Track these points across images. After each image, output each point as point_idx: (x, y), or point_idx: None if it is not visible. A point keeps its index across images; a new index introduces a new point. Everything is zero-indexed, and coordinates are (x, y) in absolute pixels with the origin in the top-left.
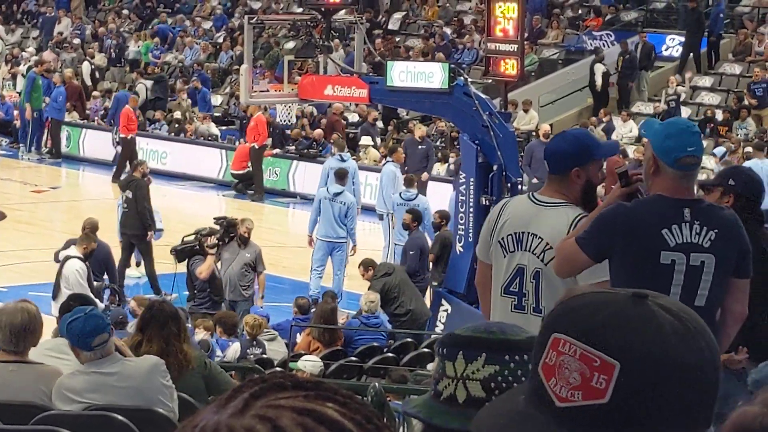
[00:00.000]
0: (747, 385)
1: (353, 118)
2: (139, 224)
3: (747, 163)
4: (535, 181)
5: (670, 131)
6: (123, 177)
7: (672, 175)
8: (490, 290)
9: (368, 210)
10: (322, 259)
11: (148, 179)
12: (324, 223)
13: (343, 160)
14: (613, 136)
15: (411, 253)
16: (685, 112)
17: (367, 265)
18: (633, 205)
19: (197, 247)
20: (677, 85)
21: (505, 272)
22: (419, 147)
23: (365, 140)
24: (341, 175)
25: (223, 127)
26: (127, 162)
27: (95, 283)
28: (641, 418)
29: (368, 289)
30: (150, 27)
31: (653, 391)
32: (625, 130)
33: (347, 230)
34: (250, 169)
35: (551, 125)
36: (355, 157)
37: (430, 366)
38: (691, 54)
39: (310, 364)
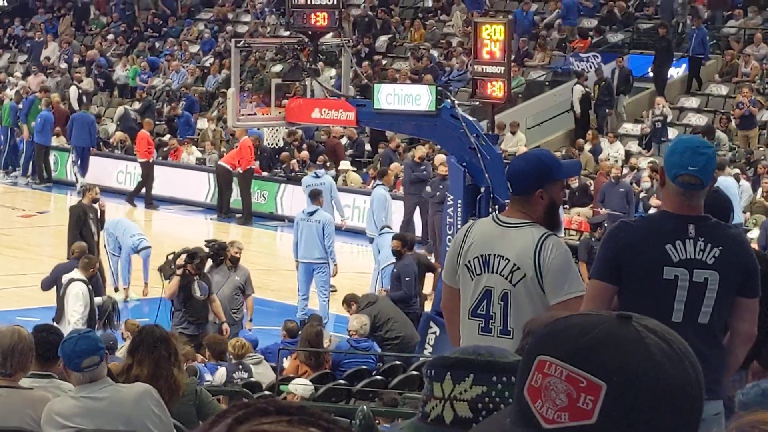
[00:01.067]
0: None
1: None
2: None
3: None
4: None
5: (677, 147)
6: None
7: (674, 191)
8: (456, 314)
9: (358, 233)
10: (305, 281)
11: (101, 203)
12: (302, 244)
13: (317, 176)
14: (601, 157)
15: (407, 279)
16: (672, 132)
17: (349, 301)
18: (637, 221)
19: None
20: (663, 106)
21: (472, 295)
22: (419, 168)
23: (344, 165)
24: (315, 195)
25: (215, 151)
26: (145, 185)
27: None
28: None
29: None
30: (136, 52)
31: (641, 411)
32: (612, 150)
33: (325, 249)
34: (240, 171)
35: (538, 147)
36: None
37: None
38: (661, 81)
39: (300, 387)
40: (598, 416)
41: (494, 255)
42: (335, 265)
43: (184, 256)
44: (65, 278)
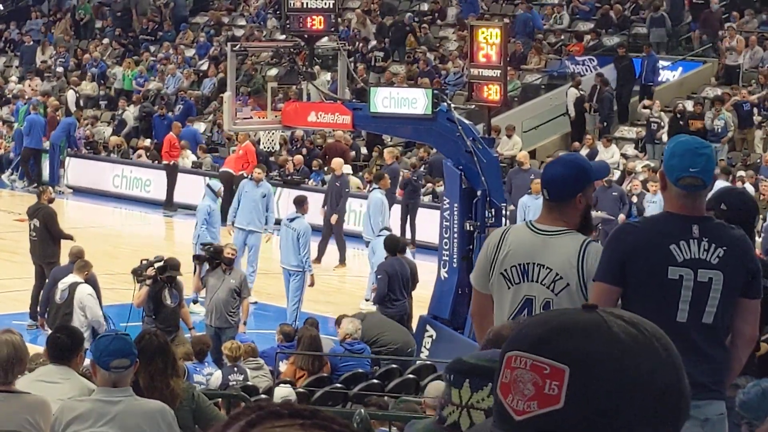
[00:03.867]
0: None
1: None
2: (51, 251)
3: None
4: (512, 208)
5: (677, 150)
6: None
7: (677, 194)
8: (487, 321)
9: (355, 236)
10: (286, 286)
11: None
12: (281, 249)
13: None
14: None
15: (378, 277)
16: (664, 136)
17: (340, 321)
18: (641, 222)
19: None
20: (660, 110)
21: (510, 304)
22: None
23: (345, 169)
24: (299, 202)
25: (208, 155)
26: (173, 188)
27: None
28: (600, 423)
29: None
30: (134, 56)
31: (608, 393)
32: (608, 155)
33: (300, 258)
34: (243, 173)
35: (534, 151)
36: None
37: (435, 389)
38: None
39: (284, 392)
40: (566, 400)
41: (535, 264)
42: (311, 275)
43: (157, 264)
44: (63, 283)
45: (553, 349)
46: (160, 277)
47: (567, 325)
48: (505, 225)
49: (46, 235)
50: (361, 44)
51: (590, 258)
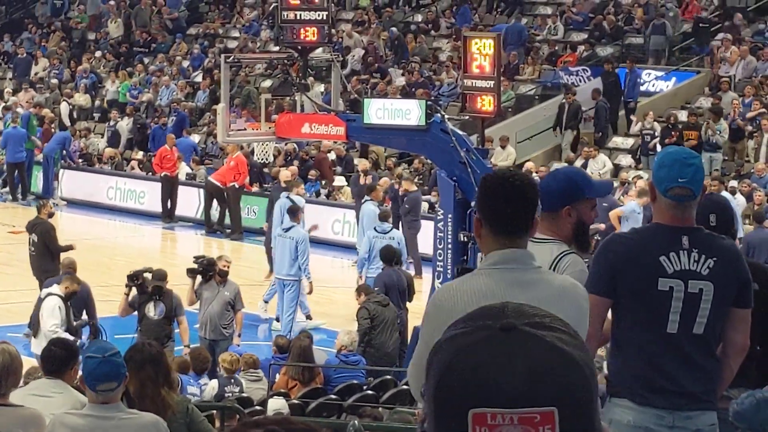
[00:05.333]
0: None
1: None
2: (48, 265)
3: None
4: None
5: (665, 161)
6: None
7: (666, 205)
8: None
9: (349, 248)
10: (280, 297)
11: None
12: (277, 260)
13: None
14: (588, 172)
15: (376, 289)
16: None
17: (360, 291)
18: (630, 234)
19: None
20: (654, 120)
21: None
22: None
23: (339, 181)
24: (293, 211)
25: (202, 167)
26: (169, 200)
27: (75, 321)
28: (590, 426)
29: (360, 308)
30: (128, 68)
31: (588, 403)
32: (598, 165)
33: (299, 266)
34: (234, 184)
35: (528, 161)
36: (332, 197)
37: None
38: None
39: (277, 404)
40: None
41: None
42: (310, 282)
43: (133, 273)
44: (43, 292)
45: (536, 397)
46: (146, 287)
47: (533, 367)
48: None
49: (44, 250)
50: (353, 57)
51: (561, 268)
